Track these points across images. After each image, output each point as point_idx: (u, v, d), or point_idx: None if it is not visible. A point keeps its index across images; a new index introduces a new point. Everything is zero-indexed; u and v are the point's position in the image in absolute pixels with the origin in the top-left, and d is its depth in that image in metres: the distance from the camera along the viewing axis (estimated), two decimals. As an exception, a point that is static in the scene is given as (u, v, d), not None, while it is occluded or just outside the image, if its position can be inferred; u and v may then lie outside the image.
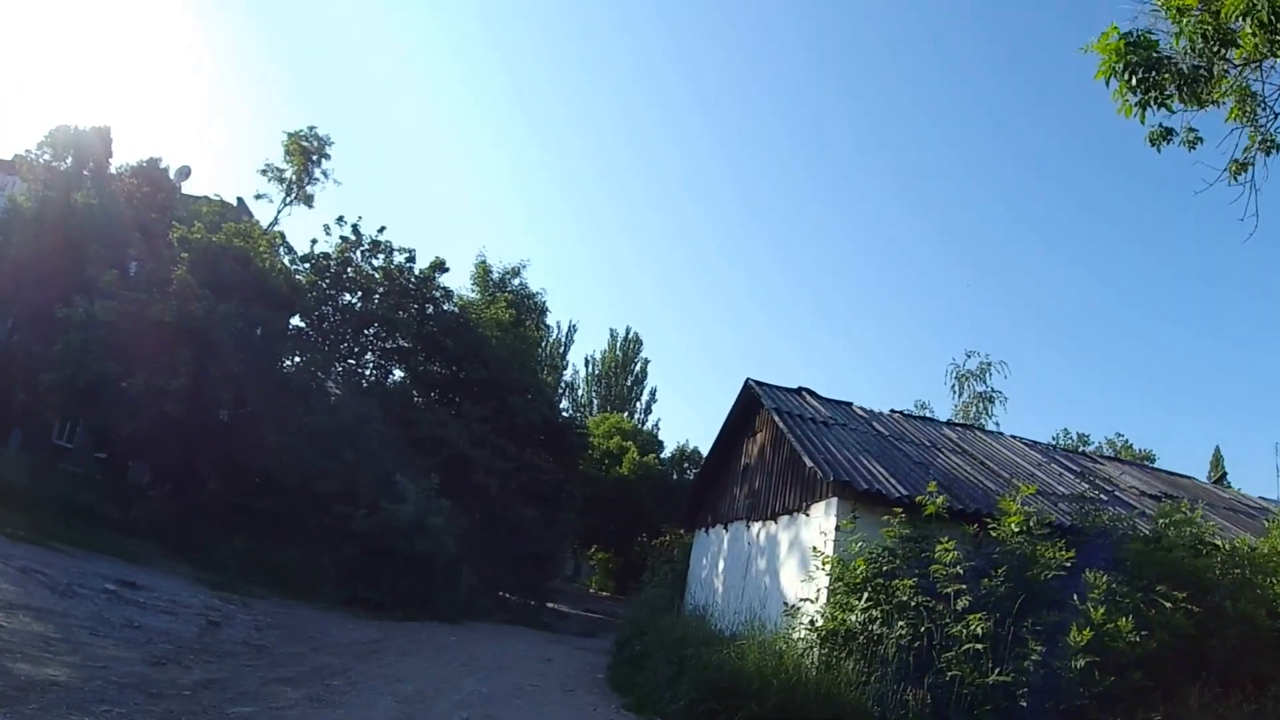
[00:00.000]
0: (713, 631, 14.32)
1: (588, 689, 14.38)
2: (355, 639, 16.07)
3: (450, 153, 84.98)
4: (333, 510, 22.13)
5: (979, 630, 10.56)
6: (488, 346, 28.72)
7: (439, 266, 29.18)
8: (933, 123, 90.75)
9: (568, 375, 58.02)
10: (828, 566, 12.92)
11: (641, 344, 61.81)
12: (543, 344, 43.95)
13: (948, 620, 10.98)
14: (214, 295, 23.60)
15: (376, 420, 24.58)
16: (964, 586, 10.99)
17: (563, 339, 58.61)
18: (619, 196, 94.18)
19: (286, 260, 28.22)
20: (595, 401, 58.42)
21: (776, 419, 16.74)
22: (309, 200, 33.39)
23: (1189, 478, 23.54)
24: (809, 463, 14.43)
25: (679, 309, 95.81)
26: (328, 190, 51.56)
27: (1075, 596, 11.03)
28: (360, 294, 27.93)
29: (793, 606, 12.77)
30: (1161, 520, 13.19)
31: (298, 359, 24.81)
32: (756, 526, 17.65)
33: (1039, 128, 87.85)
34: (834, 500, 13.69)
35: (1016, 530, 11.87)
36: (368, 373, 28.09)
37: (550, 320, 51.77)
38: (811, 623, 12.37)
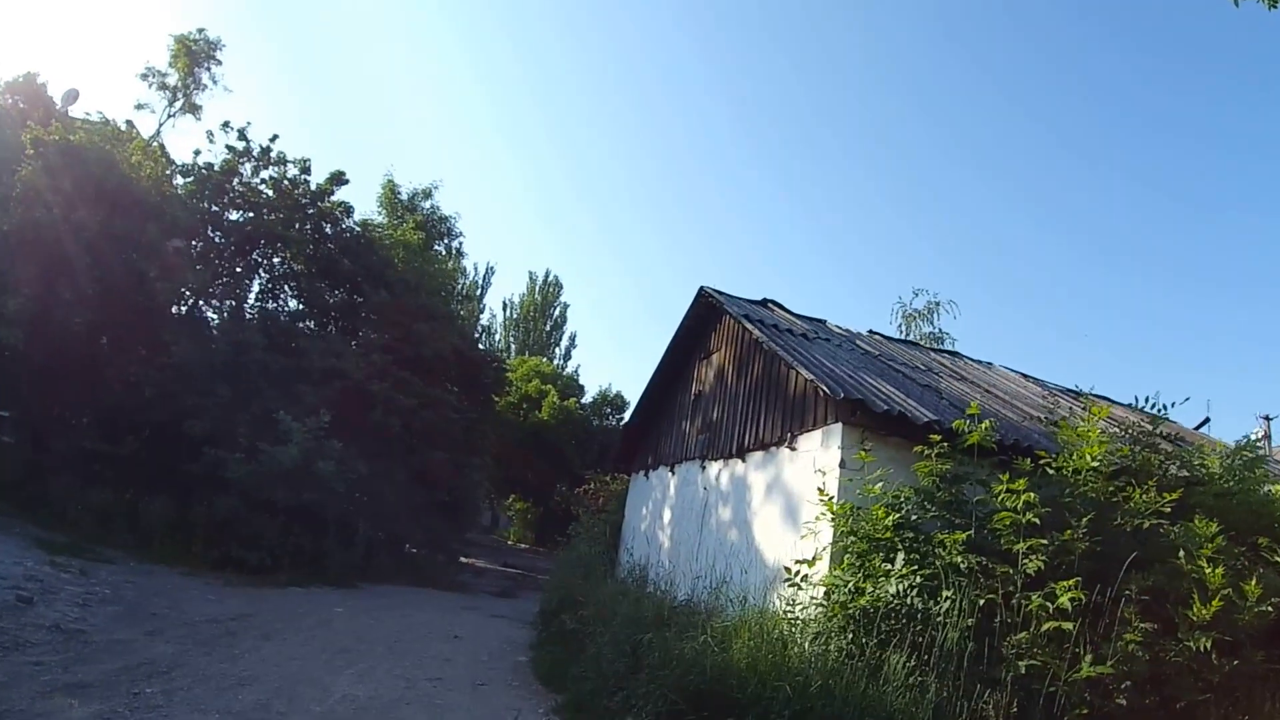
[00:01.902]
0: (668, 602, 10.75)
1: (506, 682, 10.74)
2: (213, 614, 12.57)
3: (364, 75, 78.07)
4: (204, 456, 18.06)
5: (1066, 602, 7.10)
6: (391, 268, 24.56)
7: (337, 179, 24.87)
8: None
9: (484, 319, 53.95)
10: (830, 516, 9.37)
11: (561, 287, 58.44)
12: (457, 277, 39.44)
13: (1014, 589, 7.54)
14: (67, 204, 19.41)
15: (258, 349, 20.40)
16: (1044, 541, 7.54)
17: (480, 281, 54.79)
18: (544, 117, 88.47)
19: (165, 173, 23.67)
20: (513, 347, 54.61)
21: (750, 327, 13.01)
22: (195, 110, 28.98)
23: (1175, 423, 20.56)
24: (807, 375, 10.73)
25: (597, 249, 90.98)
26: (217, 99, 46.48)
27: (1182, 554, 7.68)
28: (247, 209, 23.45)
29: (796, 573, 9.09)
30: (1235, 459, 10.00)
31: (169, 282, 20.22)
32: (715, 467, 14.07)
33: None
34: (836, 428, 10.13)
35: (1094, 465, 8.46)
36: (252, 299, 23.64)
37: (467, 263, 47.92)
38: (827, 595, 8.77)
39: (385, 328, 23.09)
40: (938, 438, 8.86)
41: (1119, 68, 79.62)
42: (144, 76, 28.02)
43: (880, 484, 8.98)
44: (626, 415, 45.49)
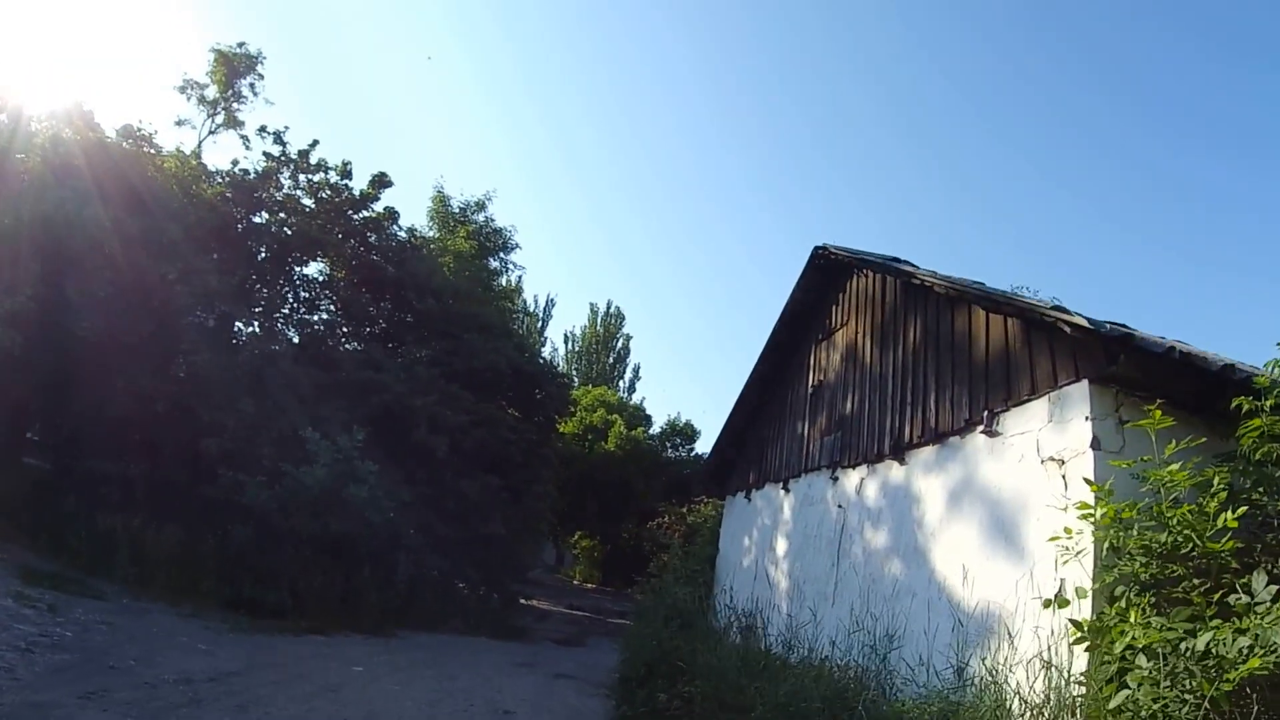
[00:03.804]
0: (832, 679, 7.07)
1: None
2: (191, 671, 9.31)
3: (412, 101, 75.59)
4: (221, 478, 15.06)
5: None
6: (439, 274, 21.29)
7: (380, 182, 21.76)
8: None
9: (546, 352, 50.59)
10: (1091, 525, 5.67)
11: (624, 318, 54.77)
12: (516, 297, 35.98)
13: None
14: (79, 199, 16.67)
15: (286, 360, 17.20)
16: None
17: (540, 314, 51.68)
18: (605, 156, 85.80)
19: (198, 176, 21.00)
20: (576, 380, 51.13)
21: (910, 269, 9.25)
22: (237, 125, 26.26)
23: None
24: (1040, 310, 6.86)
25: (659, 284, 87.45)
26: (258, 112, 44.01)
27: None
28: (283, 215, 20.48)
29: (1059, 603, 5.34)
30: None
31: (190, 286, 17.16)
32: (854, 476, 10.32)
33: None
34: (1077, 389, 6.47)
35: None
36: (286, 309, 20.42)
37: (527, 295, 44.80)
38: (1094, 652, 5.04)
39: (432, 339, 19.74)
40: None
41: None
42: (182, 89, 25.30)
43: (1177, 466, 5.30)
44: (698, 446, 42.05)
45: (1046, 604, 5.84)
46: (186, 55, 59.12)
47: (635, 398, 50.03)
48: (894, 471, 9.39)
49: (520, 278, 29.12)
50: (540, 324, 51.48)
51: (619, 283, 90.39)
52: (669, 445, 40.52)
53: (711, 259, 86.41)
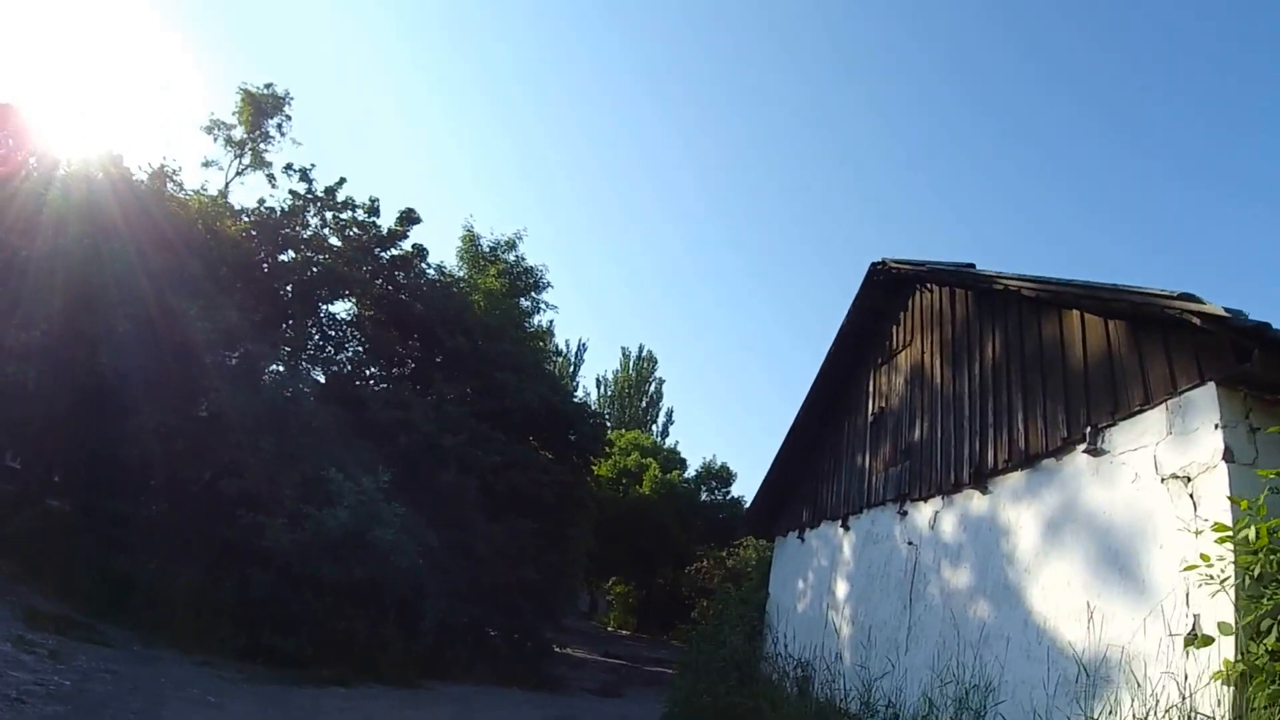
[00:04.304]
0: None
1: None
2: None
3: (431, 146, 75.61)
4: (240, 520, 14.26)
5: None
6: (470, 312, 20.52)
7: (408, 219, 21.22)
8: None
9: (578, 396, 49.89)
10: (1232, 544, 4.76)
11: (656, 362, 53.94)
12: (548, 338, 34.98)
13: None
14: (101, 233, 16.42)
15: (310, 399, 16.48)
16: None
17: (572, 358, 51.06)
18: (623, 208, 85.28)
19: (222, 214, 20.61)
20: (609, 425, 50.30)
21: (994, 272, 8.28)
22: (265, 165, 25.89)
23: None
24: (1161, 300, 5.78)
25: (693, 326, 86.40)
26: (285, 152, 43.68)
27: None
28: (309, 252, 19.93)
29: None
30: None
31: (211, 322, 16.54)
32: (926, 510, 9.34)
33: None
34: (1203, 393, 5.58)
35: None
36: (311, 347, 19.71)
37: (559, 340, 44.11)
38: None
39: (463, 378, 18.92)
40: None
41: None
42: (209, 130, 24.94)
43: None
44: (734, 489, 40.89)
45: (1188, 643, 4.86)
46: (215, 98, 59.32)
47: (669, 442, 49.04)
48: (975, 502, 8.39)
49: (552, 321, 28.23)
50: (572, 368, 50.87)
51: (650, 326, 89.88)
52: (704, 489, 39.47)
53: (745, 300, 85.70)
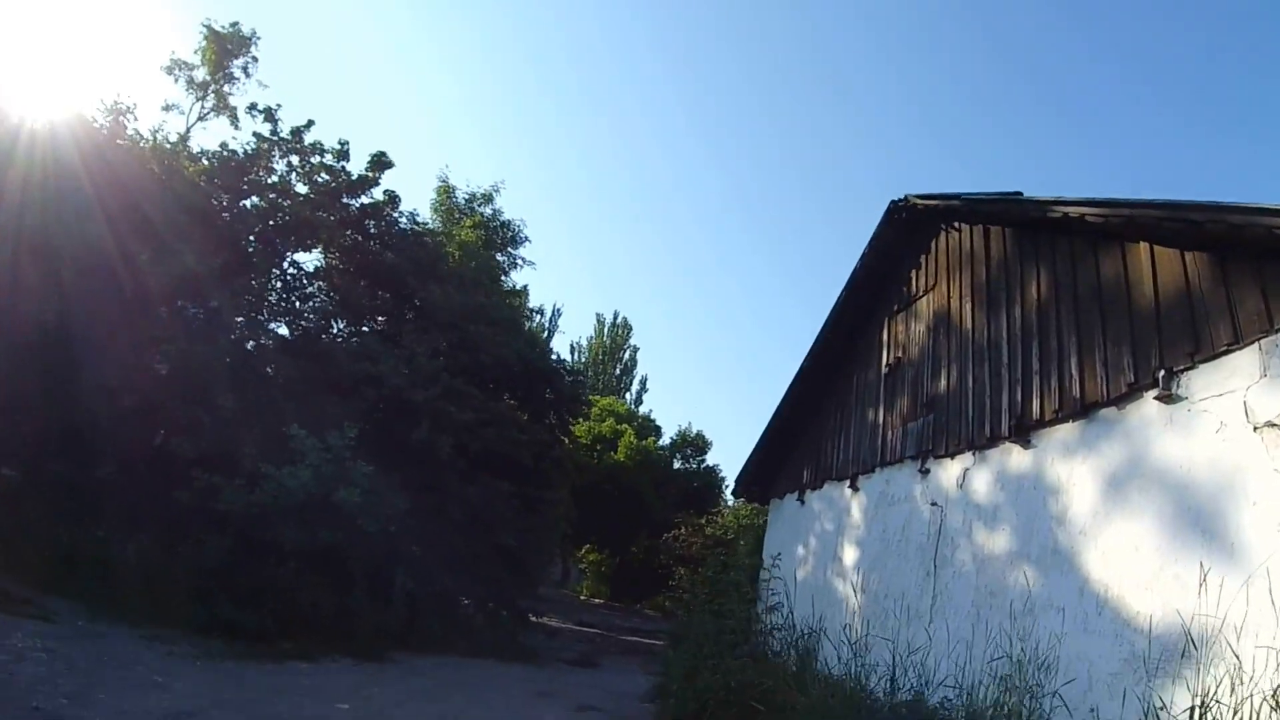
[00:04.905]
0: None
1: None
2: (138, 710, 7.51)
3: (412, 94, 73.26)
4: (195, 482, 13.02)
5: None
6: (443, 262, 19.29)
7: (379, 164, 19.81)
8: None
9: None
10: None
11: (631, 329, 53.22)
12: (524, 302, 33.75)
13: None
14: (41, 172, 14.86)
15: (272, 352, 15.25)
16: None
17: (546, 324, 49.75)
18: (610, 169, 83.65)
19: (177, 153, 19.18)
20: (587, 384, 49.35)
21: (1074, 210, 6.85)
22: (228, 108, 24.30)
23: None
24: None
25: (667, 294, 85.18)
26: (250, 95, 41.41)
27: None
28: (273, 196, 18.56)
29: None
30: None
31: (163, 268, 15.17)
32: (953, 468, 8.38)
33: None
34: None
35: None
36: (273, 297, 18.37)
37: (532, 302, 42.92)
38: None
39: (435, 331, 17.67)
40: None
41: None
42: (170, 70, 23.35)
43: None
44: (710, 457, 40.10)
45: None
46: (179, 38, 56.68)
47: (642, 410, 48.21)
48: (1015, 457, 7.42)
49: (527, 286, 26.93)
50: (546, 334, 49.65)
51: (623, 291, 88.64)
52: (679, 457, 38.63)
53: (721, 270, 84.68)
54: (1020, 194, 8.04)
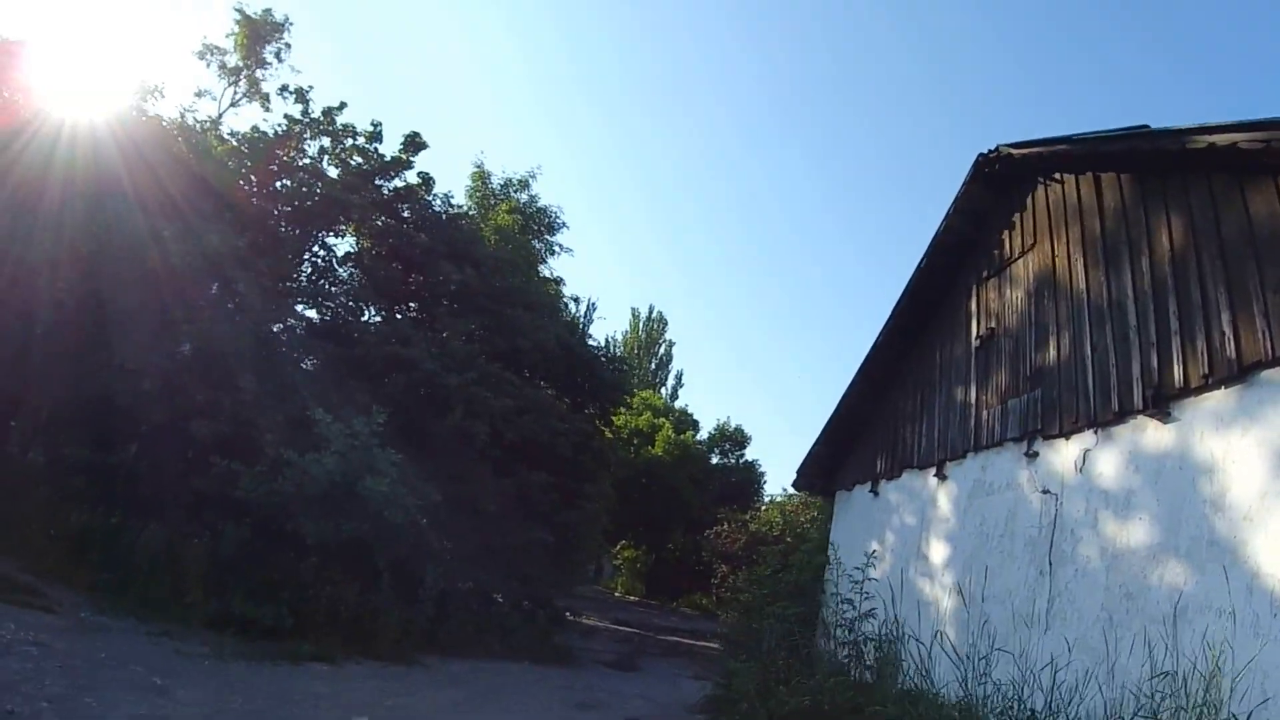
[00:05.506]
0: None
1: None
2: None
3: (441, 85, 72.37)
4: (213, 468, 12.21)
5: None
6: (479, 244, 18.29)
7: (413, 145, 18.95)
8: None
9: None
10: None
11: (666, 324, 52.10)
12: (552, 272, 32.74)
13: None
14: (66, 150, 14.34)
15: (298, 334, 14.32)
16: None
17: (581, 318, 48.76)
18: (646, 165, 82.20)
19: (207, 134, 18.55)
20: (630, 372, 48.46)
21: (1223, 138, 5.63)
22: (260, 94, 23.65)
23: None
24: None
25: (703, 287, 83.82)
26: (282, 79, 40.97)
27: None
28: (304, 178, 17.74)
29: None
30: None
31: (187, 245, 14.33)
32: (1073, 447, 7.14)
33: None
34: None
35: None
36: (301, 280, 17.47)
37: (567, 296, 42.03)
38: None
39: (470, 315, 16.67)
40: None
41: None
42: (201, 55, 22.71)
43: None
44: (749, 452, 39.11)
45: None
46: (212, 22, 56.43)
47: (678, 405, 47.21)
48: (1151, 433, 6.20)
49: (561, 280, 25.73)
50: (581, 327, 48.79)
51: (658, 285, 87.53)
52: (717, 451, 37.60)
53: (759, 262, 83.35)
54: (1147, 126, 6.77)
